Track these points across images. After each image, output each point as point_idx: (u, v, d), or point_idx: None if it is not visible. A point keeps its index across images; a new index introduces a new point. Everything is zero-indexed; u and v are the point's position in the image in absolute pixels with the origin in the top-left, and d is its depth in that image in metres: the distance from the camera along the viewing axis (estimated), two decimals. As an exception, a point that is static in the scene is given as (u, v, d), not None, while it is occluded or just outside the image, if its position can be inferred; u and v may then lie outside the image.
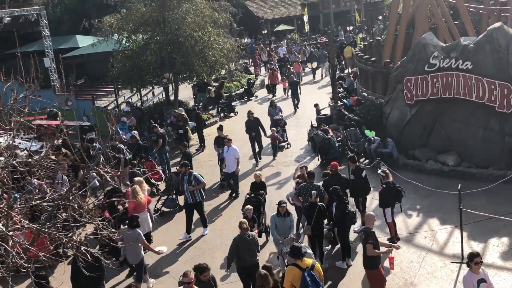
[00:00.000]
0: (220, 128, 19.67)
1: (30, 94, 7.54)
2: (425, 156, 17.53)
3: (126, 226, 12.17)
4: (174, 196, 16.60)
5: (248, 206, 12.83)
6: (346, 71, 31.61)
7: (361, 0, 59.44)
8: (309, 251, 10.50)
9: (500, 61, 15.81)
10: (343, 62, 36.66)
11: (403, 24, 24.07)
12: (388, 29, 25.32)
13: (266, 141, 20.96)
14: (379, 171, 13.55)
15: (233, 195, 17.18)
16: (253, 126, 20.19)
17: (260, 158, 20.39)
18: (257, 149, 20.31)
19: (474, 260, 8.57)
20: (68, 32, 40.32)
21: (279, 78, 33.61)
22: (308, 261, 9.54)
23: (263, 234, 13.70)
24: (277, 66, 37.46)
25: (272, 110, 23.23)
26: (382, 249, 10.62)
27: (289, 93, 29.13)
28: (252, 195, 14.13)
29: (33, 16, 33.94)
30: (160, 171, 18.55)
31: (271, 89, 32.53)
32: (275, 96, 31.48)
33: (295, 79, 29.33)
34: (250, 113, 20.53)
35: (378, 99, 20.92)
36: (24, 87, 7.86)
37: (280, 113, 23.10)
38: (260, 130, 20.31)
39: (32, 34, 38.33)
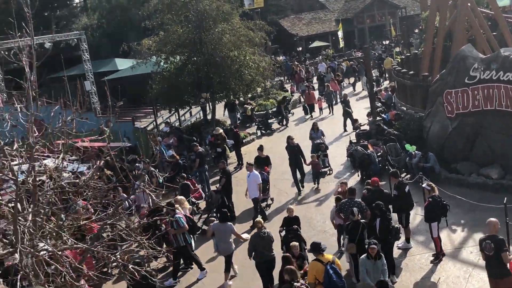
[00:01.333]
0: (260, 149, 19.30)
1: (77, 117, 7.77)
2: (467, 170, 17.21)
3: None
4: (214, 215, 16.68)
5: (294, 243, 11.70)
6: (383, 84, 31.43)
7: (396, 14, 59.11)
8: None
9: (543, 71, 15.50)
10: (384, 74, 36.62)
11: (440, 37, 23.84)
12: (426, 42, 25.09)
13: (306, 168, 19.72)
14: (424, 185, 13.39)
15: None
16: (294, 151, 19.05)
17: (303, 187, 19.08)
18: (299, 177, 19.11)
19: None
20: (107, 55, 41.26)
21: (316, 97, 32.31)
22: (329, 256, 10.36)
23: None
24: (312, 85, 35.35)
25: (314, 133, 21.62)
26: None
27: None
28: (284, 231, 13.02)
29: (73, 41, 34.83)
30: (200, 190, 18.70)
31: (309, 110, 31.15)
32: (311, 117, 30.55)
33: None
34: (290, 139, 19.32)
35: (417, 113, 20.70)
36: (69, 110, 8.11)
37: (322, 137, 21.44)
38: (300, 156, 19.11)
39: (72, 58, 39.36)
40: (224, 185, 17.44)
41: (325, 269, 9.91)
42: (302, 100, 33.85)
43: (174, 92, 25.96)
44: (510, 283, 9.99)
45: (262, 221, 12.83)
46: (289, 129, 28.50)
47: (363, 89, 34.68)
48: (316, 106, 31.41)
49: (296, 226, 12.96)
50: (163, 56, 26.03)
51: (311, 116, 30.74)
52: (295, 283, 9.72)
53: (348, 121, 25.64)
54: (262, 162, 18.43)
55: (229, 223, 13.45)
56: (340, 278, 9.95)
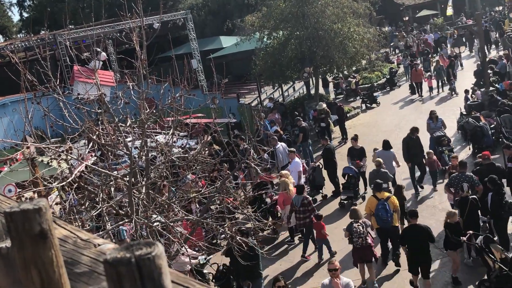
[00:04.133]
0: (354, 138, 17.42)
1: (185, 94, 8.04)
2: None
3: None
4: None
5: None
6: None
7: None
8: None
9: None
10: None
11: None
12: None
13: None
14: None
15: None
16: (415, 146, 16.12)
17: (422, 188, 16.26)
18: (417, 175, 16.32)
19: None
20: (212, 33, 42.14)
21: (424, 74, 28.24)
22: (385, 194, 12.35)
23: None
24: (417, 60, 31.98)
25: (432, 124, 18.03)
26: None
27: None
28: None
29: (180, 21, 35.85)
30: (304, 164, 18.75)
31: (416, 89, 27.94)
32: (422, 97, 27.43)
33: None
34: (414, 130, 16.29)
35: (535, 81, 19.38)
36: (178, 87, 8.40)
37: (442, 128, 17.89)
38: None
39: (179, 37, 40.58)
40: (326, 161, 17.36)
41: (377, 204, 11.93)
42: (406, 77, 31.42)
43: (277, 68, 26.10)
44: None
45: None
46: (390, 112, 26.24)
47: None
48: (425, 85, 27.80)
49: None
50: (266, 31, 26.18)
51: (421, 96, 27.64)
52: (354, 223, 11.42)
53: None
54: (356, 154, 16.86)
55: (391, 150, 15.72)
56: (386, 212, 11.82)
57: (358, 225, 11.29)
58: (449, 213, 11.38)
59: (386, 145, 16.02)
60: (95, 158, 9.84)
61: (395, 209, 12.11)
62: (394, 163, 15.53)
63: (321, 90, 30.19)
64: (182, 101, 8.10)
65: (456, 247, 11.20)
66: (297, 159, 16.72)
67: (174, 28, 37.12)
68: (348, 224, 11.68)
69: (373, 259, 11.49)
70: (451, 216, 11.23)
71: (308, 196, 14.21)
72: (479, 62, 25.73)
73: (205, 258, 11.08)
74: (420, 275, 10.93)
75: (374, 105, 27.76)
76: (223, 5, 43.15)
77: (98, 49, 10.04)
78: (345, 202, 16.05)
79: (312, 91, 28.67)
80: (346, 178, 16.29)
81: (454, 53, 30.91)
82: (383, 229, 12.10)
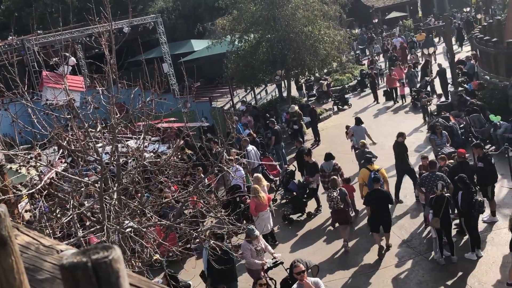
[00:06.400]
0: (307, 153, 16.52)
1: (156, 98, 7.98)
2: (558, 140, 16.31)
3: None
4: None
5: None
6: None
7: (477, -22, 56.32)
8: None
9: None
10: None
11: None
12: (509, 7, 23.81)
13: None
14: (513, 155, 12.86)
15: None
16: (401, 152, 15.31)
17: (401, 202, 15.23)
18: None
19: None
20: (183, 37, 41.97)
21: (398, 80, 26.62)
22: (375, 166, 14.03)
23: None
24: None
25: (437, 139, 16.07)
26: None
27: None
28: None
29: (150, 24, 35.63)
30: (278, 167, 18.80)
31: (391, 95, 26.64)
32: (402, 103, 25.98)
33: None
34: (401, 135, 15.47)
35: (502, 81, 19.76)
36: (148, 92, 8.34)
37: (447, 144, 15.91)
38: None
39: (150, 41, 40.32)
40: (299, 163, 17.37)
41: (369, 174, 13.50)
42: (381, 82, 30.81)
43: (249, 71, 26.14)
44: None
45: None
46: (362, 114, 25.73)
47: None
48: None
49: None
50: (237, 35, 26.19)
51: (397, 102, 26.44)
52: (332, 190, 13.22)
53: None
54: (308, 169, 16.19)
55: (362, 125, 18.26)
56: (378, 181, 12.92)
57: (333, 191, 13.08)
58: None
59: (358, 120, 18.58)
60: (65, 164, 9.71)
61: (385, 178, 13.96)
62: (367, 138, 17.66)
63: (295, 93, 30.34)
64: (153, 105, 8.03)
65: None
66: (240, 168, 16.00)
67: (145, 32, 36.86)
68: (327, 192, 13.68)
69: (349, 222, 13.48)
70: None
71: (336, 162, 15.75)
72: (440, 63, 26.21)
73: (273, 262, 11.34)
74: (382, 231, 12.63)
75: (345, 107, 27.97)
76: (193, 9, 43.03)
77: (67, 54, 9.91)
78: (288, 214, 15.55)
79: (285, 94, 28.77)
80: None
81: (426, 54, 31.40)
82: None
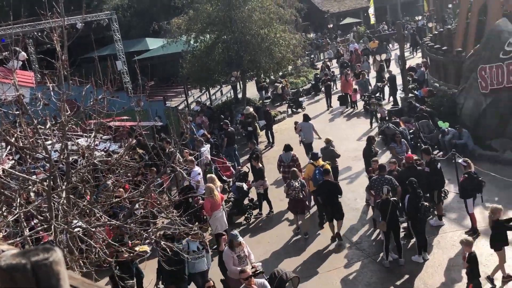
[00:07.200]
0: (255, 159, 16.33)
1: (108, 96, 7.87)
2: (502, 147, 16.91)
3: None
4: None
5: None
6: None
7: (429, -12, 57.86)
8: None
9: None
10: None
11: (474, 12, 23.25)
12: (460, 17, 24.56)
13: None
14: (460, 161, 13.26)
15: None
16: (370, 156, 15.54)
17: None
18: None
19: None
20: (138, 35, 41.46)
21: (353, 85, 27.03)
22: (320, 162, 14.53)
23: None
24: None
25: (398, 148, 16.02)
26: None
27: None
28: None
29: (104, 21, 35.01)
30: (231, 168, 18.80)
31: (346, 100, 26.81)
32: (354, 109, 26.35)
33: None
34: (371, 139, 16.41)
35: (450, 89, 20.34)
36: (101, 89, 8.21)
37: (408, 152, 15.51)
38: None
39: (104, 38, 39.64)
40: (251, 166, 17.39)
41: (314, 169, 14.22)
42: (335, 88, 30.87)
43: (204, 71, 26.02)
44: None
45: None
46: (315, 117, 26.40)
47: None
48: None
49: None
50: (193, 34, 26.04)
51: (353, 108, 26.71)
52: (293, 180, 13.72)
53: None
54: (254, 174, 16.23)
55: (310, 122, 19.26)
56: (322, 176, 13.60)
57: (294, 182, 13.72)
58: (494, 209, 10.69)
59: (306, 117, 19.77)
60: (13, 161, 9.45)
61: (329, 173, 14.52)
62: (314, 134, 19.06)
63: (254, 94, 30.39)
64: (105, 103, 7.92)
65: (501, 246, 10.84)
66: (197, 168, 16.25)
67: (99, 29, 36.16)
68: (288, 182, 14.12)
69: (305, 212, 14.29)
70: (496, 211, 10.69)
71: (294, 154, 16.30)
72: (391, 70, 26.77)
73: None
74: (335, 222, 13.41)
75: (299, 110, 28.20)
76: (149, 7, 42.59)
77: (17, 49, 9.66)
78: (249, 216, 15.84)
79: (240, 95, 28.78)
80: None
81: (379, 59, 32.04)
82: None
